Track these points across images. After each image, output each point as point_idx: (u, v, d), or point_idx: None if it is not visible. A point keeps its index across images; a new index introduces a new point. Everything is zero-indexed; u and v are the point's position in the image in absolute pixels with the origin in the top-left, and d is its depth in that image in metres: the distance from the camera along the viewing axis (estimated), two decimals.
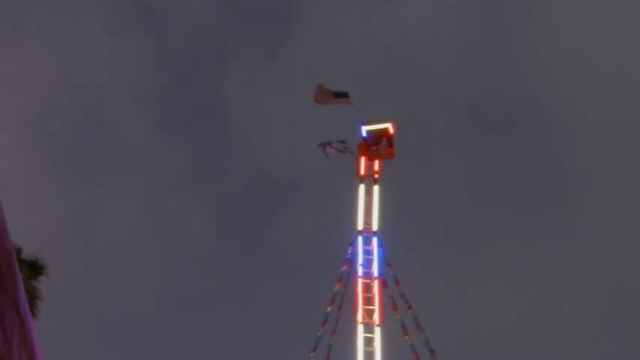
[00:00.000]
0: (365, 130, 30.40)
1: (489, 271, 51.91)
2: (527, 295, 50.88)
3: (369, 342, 26.87)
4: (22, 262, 17.73)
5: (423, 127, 54.70)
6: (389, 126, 30.52)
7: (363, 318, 27.25)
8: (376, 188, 30.06)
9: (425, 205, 50.18)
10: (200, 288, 57.14)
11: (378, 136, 30.40)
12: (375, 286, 28.00)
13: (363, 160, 30.15)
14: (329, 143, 30.50)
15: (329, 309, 27.82)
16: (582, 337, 48.56)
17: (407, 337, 27.17)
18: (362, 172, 30.25)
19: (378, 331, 27.10)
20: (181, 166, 62.06)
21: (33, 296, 18.08)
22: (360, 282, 27.97)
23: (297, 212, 57.35)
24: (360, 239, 29.03)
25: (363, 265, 28.40)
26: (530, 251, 52.92)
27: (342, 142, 30.61)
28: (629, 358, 47.73)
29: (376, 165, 30.28)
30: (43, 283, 18.45)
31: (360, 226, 29.34)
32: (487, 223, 55.30)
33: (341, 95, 31.16)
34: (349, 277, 28.38)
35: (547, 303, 51.53)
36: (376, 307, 27.54)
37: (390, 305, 27.72)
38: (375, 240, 29.10)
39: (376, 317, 27.32)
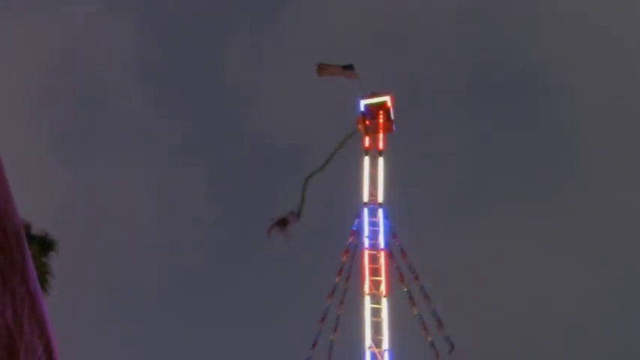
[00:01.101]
0: (363, 104, 30.45)
1: (494, 238, 52.03)
2: (531, 262, 51.00)
3: (376, 313, 27.01)
4: (32, 238, 17.83)
5: (423, 97, 54.57)
6: (387, 99, 30.56)
7: (370, 289, 27.37)
8: (381, 160, 30.14)
9: (429, 176, 50.25)
10: (205, 260, 57.27)
11: (377, 110, 30.45)
12: (382, 257, 28.11)
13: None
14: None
15: (337, 280, 27.98)
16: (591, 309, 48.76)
17: (414, 308, 27.30)
18: (366, 144, 30.35)
19: (385, 302, 27.23)
20: (183, 140, 62.11)
21: (43, 272, 18.19)
22: (366, 254, 28.08)
23: (300, 183, 57.36)
24: (365, 211, 29.13)
25: (369, 236, 28.50)
26: (532, 218, 52.92)
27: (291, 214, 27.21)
28: None
29: (380, 138, 30.34)
30: (53, 259, 18.58)
31: (366, 198, 29.43)
32: (489, 193, 55.29)
33: (346, 67, 31.14)
34: (356, 249, 28.52)
35: (549, 266, 51.60)
36: (383, 278, 27.66)
37: (397, 276, 27.85)
38: (380, 212, 29.19)
39: (383, 288, 27.44)
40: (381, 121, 30.33)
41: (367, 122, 30.28)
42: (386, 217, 29.13)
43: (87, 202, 59.20)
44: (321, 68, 30.94)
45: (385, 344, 26.43)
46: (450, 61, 60.10)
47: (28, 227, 17.83)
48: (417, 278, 27.50)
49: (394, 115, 30.97)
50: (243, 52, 64.46)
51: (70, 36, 63.13)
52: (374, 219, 29.04)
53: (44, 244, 18.61)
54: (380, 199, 29.46)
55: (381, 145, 30.49)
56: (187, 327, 53.93)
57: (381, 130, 30.57)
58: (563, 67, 59.33)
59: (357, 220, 29.04)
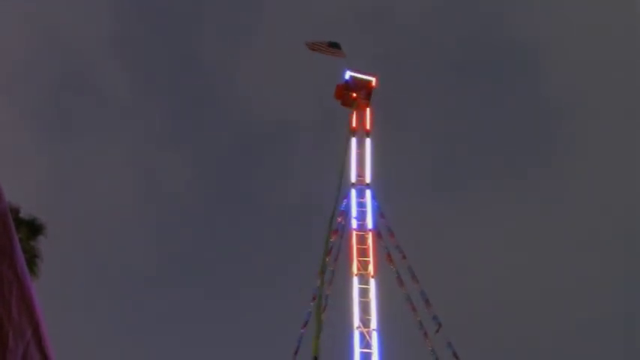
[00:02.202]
0: (349, 74, 30.49)
1: (480, 217, 52.20)
2: (520, 241, 51.23)
3: (364, 293, 27.10)
4: (21, 222, 17.78)
5: (407, 75, 54.44)
6: (373, 79, 30.60)
7: (358, 269, 27.47)
8: (368, 141, 30.17)
9: (414, 155, 50.29)
10: (191, 241, 57.09)
11: (360, 86, 30.46)
12: (370, 238, 28.19)
13: (354, 113, 30.31)
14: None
15: (326, 260, 28.03)
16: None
17: (402, 288, 27.43)
18: (353, 125, 30.37)
19: (373, 282, 27.33)
20: (165, 118, 61.77)
21: (32, 256, 18.15)
22: (354, 234, 28.15)
23: (285, 163, 57.30)
24: (353, 192, 29.18)
25: (357, 217, 28.56)
26: (518, 194, 53.06)
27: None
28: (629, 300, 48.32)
29: (367, 118, 30.38)
30: (42, 243, 18.51)
31: (354, 178, 29.48)
32: (475, 169, 55.37)
33: (333, 46, 31.14)
34: (344, 230, 28.59)
35: (537, 243, 51.86)
36: (371, 258, 27.75)
37: (385, 256, 27.95)
38: (368, 192, 29.25)
39: (371, 269, 27.53)
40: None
41: (353, 95, 30.26)
42: (374, 197, 29.20)
43: (70, 180, 58.81)
44: (310, 45, 30.98)
45: (373, 324, 26.54)
46: (431, 39, 59.99)
47: (16, 211, 17.78)
48: (404, 258, 27.62)
49: (373, 98, 31.03)
50: (222, 30, 64.03)
51: (49, 14, 62.49)
52: (362, 200, 29.11)
53: (33, 228, 18.55)
54: (368, 179, 29.52)
55: (368, 126, 30.51)
56: (174, 309, 53.87)
57: (355, 106, 30.55)
58: (546, 42, 59.33)
59: (345, 200, 29.10)
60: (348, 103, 30.57)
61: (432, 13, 60.16)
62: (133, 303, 54.13)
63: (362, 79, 30.64)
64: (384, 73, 31.80)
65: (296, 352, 26.40)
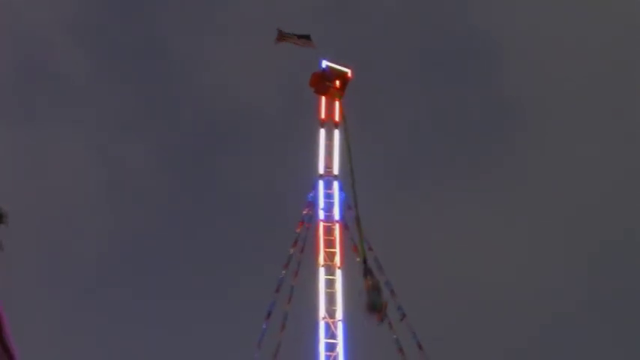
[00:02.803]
0: (325, 63, 30.60)
1: (447, 211, 52.60)
2: (487, 234, 51.75)
3: (330, 284, 27.29)
4: None
5: (373, 66, 54.42)
6: (349, 71, 30.74)
7: (325, 260, 27.64)
8: (337, 132, 30.31)
9: (382, 148, 50.47)
10: (152, 231, 56.54)
11: (336, 76, 30.59)
12: (337, 229, 28.38)
13: (323, 103, 30.45)
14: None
15: (291, 251, 28.22)
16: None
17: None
18: (322, 115, 30.49)
19: (339, 273, 27.52)
20: (127, 105, 61.14)
21: None
22: (321, 225, 28.32)
23: (249, 152, 57.16)
24: (321, 183, 29.33)
25: (324, 208, 28.72)
26: (485, 190, 53.51)
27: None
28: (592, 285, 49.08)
29: (337, 109, 30.51)
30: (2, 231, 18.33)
31: (322, 169, 29.62)
32: (442, 163, 55.64)
33: (303, 37, 31.21)
34: (311, 220, 28.77)
35: (506, 240, 52.47)
36: (337, 249, 27.94)
37: (351, 248, 28.15)
38: (336, 184, 29.42)
39: (337, 260, 27.73)
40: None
41: (331, 83, 30.37)
42: (341, 189, 29.38)
43: (29, 168, 58.04)
44: (280, 35, 30.99)
45: (339, 315, 26.75)
46: (399, 32, 60.11)
47: None
48: (370, 249, 27.82)
49: (346, 91, 31.16)
50: (186, 15, 63.55)
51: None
52: (329, 191, 29.28)
53: None
54: (336, 171, 29.69)
55: (337, 117, 30.65)
56: (131, 300, 53.34)
57: (335, 98, 30.68)
58: (513, 33, 59.78)
59: (312, 191, 29.25)
60: (322, 91, 30.67)
61: (396, 6, 60.28)
62: (87, 292, 53.48)
63: (338, 70, 30.76)
64: (351, 63, 31.68)
65: (259, 345, 26.59)
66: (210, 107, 60.24)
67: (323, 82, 30.55)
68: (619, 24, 56.80)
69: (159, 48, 63.20)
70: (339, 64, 30.89)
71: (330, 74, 30.58)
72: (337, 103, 30.52)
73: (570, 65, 57.52)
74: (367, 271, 24.51)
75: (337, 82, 30.56)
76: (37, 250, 50.38)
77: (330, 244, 28.04)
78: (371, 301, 23.56)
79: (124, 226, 56.46)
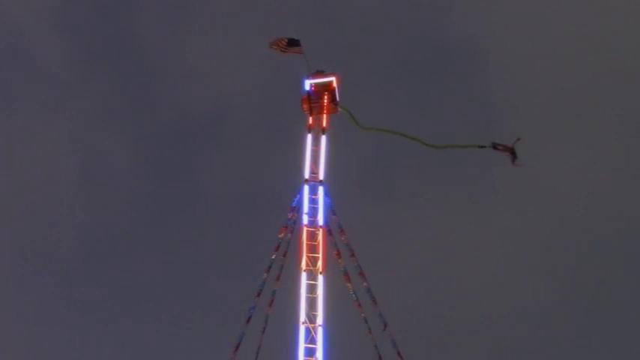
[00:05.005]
0: (308, 84, 30.66)
1: (431, 218, 52.60)
2: (470, 241, 51.78)
3: (312, 289, 27.37)
4: None
5: (357, 70, 54.24)
6: (333, 79, 30.82)
7: (307, 265, 27.71)
8: (324, 138, 30.40)
9: (368, 153, 50.32)
10: (128, 227, 56.05)
11: (322, 90, 30.70)
12: (320, 234, 28.46)
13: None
14: None
15: (274, 256, 28.29)
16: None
17: (349, 285, 27.76)
18: (310, 122, 30.61)
19: (321, 278, 27.60)
20: (104, 101, 60.83)
21: None
22: (305, 230, 28.39)
23: (230, 150, 56.82)
24: (306, 188, 29.40)
25: (308, 213, 28.79)
26: (470, 194, 53.38)
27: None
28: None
29: (324, 118, 30.62)
30: None
31: (307, 175, 29.70)
32: (425, 170, 55.31)
33: (293, 44, 31.29)
34: (295, 225, 28.83)
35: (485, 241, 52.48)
36: (320, 255, 28.02)
37: (333, 253, 28.25)
38: (321, 189, 29.49)
39: (320, 265, 27.81)
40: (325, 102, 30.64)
41: (319, 101, 30.52)
42: (326, 194, 29.46)
43: (4, 157, 57.66)
44: (272, 44, 31.13)
45: (319, 320, 26.83)
46: (377, 32, 60.05)
47: None
48: (353, 255, 27.94)
49: (341, 95, 31.29)
50: (165, 8, 63.43)
51: None
52: (314, 196, 29.36)
53: None
54: (321, 176, 29.77)
55: (324, 124, 30.76)
56: (108, 295, 52.95)
57: (325, 112, 30.87)
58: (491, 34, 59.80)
59: (297, 196, 29.32)
60: (316, 111, 30.79)
61: (379, 6, 60.26)
62: (58, 283, 53.07)
63: (322, 83, 30.84)
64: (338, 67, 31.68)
65: (236, 349, 26.67)
66: (189, 105, 60.03)
67: (313, 102, 30.69)
68: (602, 27, 57.10)
69: (138, 44, 62.99)
70: (324, 72, 30.97)
71: (316, 93, 30.72)
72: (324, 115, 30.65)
73: (550, 71, 57.65)
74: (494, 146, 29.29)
75: (325, 97, 30.70)
76: (10, 238, 50.01)
77: (313, 249, 28.11)
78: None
79: (97, 220, 55.91)
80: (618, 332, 48.62)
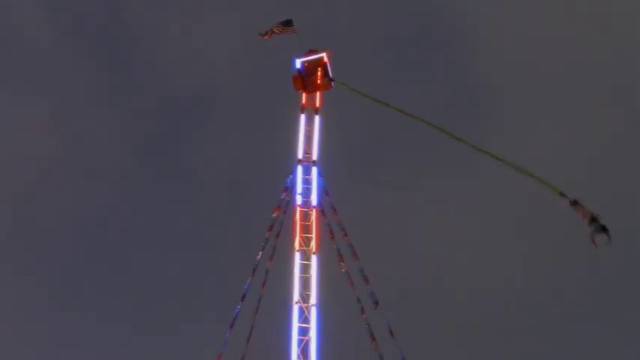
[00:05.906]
0: (299, 62, 30.69)
1: (424, 198, 52.76)
2: (462, 220, 51.99)
3: (305, 269, 27.54)
4: None
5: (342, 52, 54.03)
6: (323, 55, 30.87)
7: (300, 245, 27.88)
8: (317, 118, 30.48)
9: (361, 133, 50.41)
10: (117, 210, 55.66)
11: (314, 67, 30.72)
12: (313, 214, 28.61)
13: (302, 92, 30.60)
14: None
15: (267, 235, 28.46)
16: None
17: (342, 265, 27.96)
18: (303, 102, 30.66)
19: (314, 258, 27.78)
20: (90, 82, 60.38)
21: None
22: (298, 210, 28.54)
23: (218, 131, 56.56)
24: (299, 168, 29.52)
25: (302, 193, 28.94)
26: (460, 173, 53.43)
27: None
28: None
29: (317, 96, 30.67)
30: None
31: (301, 155, 29.81)
32: (418, 151, 55.45)
33: (285, 24, 31.31)
34: (288, 205, 28.99)
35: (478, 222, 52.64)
36: (313, 235, 28.18)
37: (327, 233, 28.42)
38: (314, 169, 29.61)
39: (313, 245, 27.98)
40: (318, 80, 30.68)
41: (314, 80, 30.49)
42: (320, 174, 29.59)
43: None
44: (266, 34, 31.15)
45: (313, 299, 27.04)
46: (365, 14, 59.85)
47: None
48: (345, 235, 28.12)
49: (332, 72, 31.31)
50: None
51: None
52: (307, 176, 29.48)
53: None
54: (314, 156, 29.88)
55: (317, 103, 30.83)
56: (95, 284, 52.79)
57: (319, 89, 30.90)
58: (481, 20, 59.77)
59: (290, 176, 29.45)
60: (309, 89, 30.81)
61: None
62: (47, 265, 52.82)
63: (313, 60, 30.89)
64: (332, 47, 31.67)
65: (232, 326, 26.85)
66: (178, 85, 59.74)
67: (305, 80, 30.71)
68: (588, 15, 57.13)
69: (124, 24, 62.52)
70: (316, 51, 31.00)
71: (308, 70, 30.74)
72: (317, 93, 30.68)
73: (537, 54, 57.67)
74: (574, 203, 22.76)
75: (319, 74, 30.72)
76: None
77: (306, 229, 28.26)
78: (598, 225, 22.15)
79: (83, 202, 55.60)
80: (608, 303, 48.93)
